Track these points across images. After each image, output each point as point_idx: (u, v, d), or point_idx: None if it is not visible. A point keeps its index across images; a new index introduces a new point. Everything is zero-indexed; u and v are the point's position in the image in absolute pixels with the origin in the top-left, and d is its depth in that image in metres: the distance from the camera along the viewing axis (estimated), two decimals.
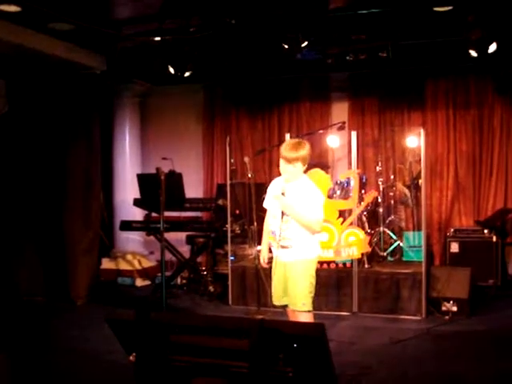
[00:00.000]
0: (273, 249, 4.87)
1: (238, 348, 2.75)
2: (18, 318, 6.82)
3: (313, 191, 4.75)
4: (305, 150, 4.67)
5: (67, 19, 6.63)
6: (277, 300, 4.90)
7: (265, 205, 5.02)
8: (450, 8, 6.37)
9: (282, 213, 4.70)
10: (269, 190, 4.98)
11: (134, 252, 9.56)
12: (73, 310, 7.59)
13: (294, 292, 4.72)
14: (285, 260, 4.77)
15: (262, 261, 5.07)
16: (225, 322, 2.89)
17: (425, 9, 6.47)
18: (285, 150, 4.69)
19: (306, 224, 4.64)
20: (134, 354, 2.99)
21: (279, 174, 4.88)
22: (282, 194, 4.69)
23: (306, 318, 4.68)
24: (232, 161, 7.95)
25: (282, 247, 4.74)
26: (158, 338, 2.91)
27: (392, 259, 7.76)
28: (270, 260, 5.00)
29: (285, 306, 4.88)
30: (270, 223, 4.89)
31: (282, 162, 4.73)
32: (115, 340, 3.09)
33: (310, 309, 4.71)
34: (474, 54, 6.56)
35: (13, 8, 6.18)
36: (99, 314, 3.33)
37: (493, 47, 6.40)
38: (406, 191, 8.25)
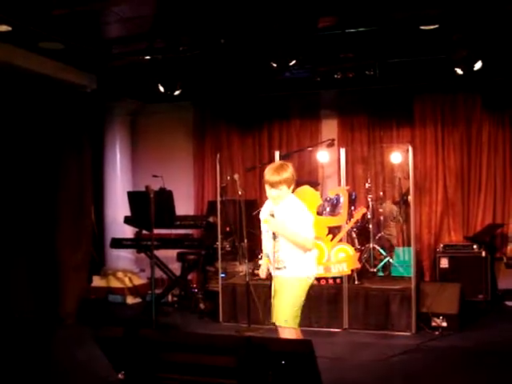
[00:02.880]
0: (271, 270, 4.89)
1: (226, 365, 2.76)
2: (7, 336, 6.78)
3: (301, 210, 4.74)
4: (287, 173, 4.65)
5: (58, 38, 6.68)
6: (274, 317, 4.88)
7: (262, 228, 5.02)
8: (436, 26, 6.46)
9: (274, 235, 4.71)
10: (260, 214, 4.98)
11: (125, 269, 9.54)
12: (62, 327, 7.53)
13: (278, 307, 4.71)
14: (278, 277, 4.77)
15: (260, 272, 5.06)
16: (213, 340, 2.91)
17: (411, 27, 6.56)
18: (268, 174, 4.68)
19: (298, 243, 4.64)
20: (122, 372, 2.99)
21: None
22: (271, 215, 4.68)
23: (290, 334, 4.63)
24: (227, 178, 7.98)
25: (277, 269, 4.75)
26: (146, 356, 2.91)
27: (382, 275, 7.78)
28: (269, 276, 5.01)
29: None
30: (265, 246, 4.90)
31: (266, 187, 4.72)
32: (104, 358, 3.09)
33: (294, 326, 4.66)
34: (459, 71, 6.63)
35: (3, 27, 6.22)
36: (88, 331, 3.32)
37: (478, 65, 6.48)
38: (395, 208, 8.29)
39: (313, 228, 4.75)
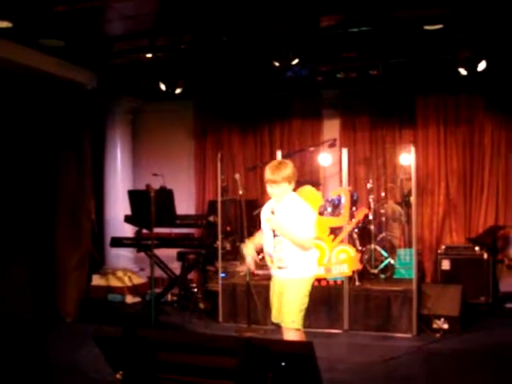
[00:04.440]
0: (271, 270, 4.85)
1: (225, 366, 2.72)
2: (6, 335, 6.75)
3: (303, 208, 4.72)
4: (287, 170, 4.62)
5: (59, 35, 6.64)
6: (274, 318, 4.86)
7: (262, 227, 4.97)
8: (440, 26, 6.42)
9: (274, 233, 4.67)
10: (262, 213, 4.94)
11: (125, 268, 9.51)
12: (61, 327, 7.50)
13: (285, 309, 4.69)
14: (281, 278, 4.75)
15: (249, 261, 4.92)
16: (212, 341, 2.87)
17: (415, 27, 6.53)
18: (268, 172, 4.65)
19: (296, 241, 4.62)
20: (120, 372, 2.95)
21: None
22: (272, 213, 4.65)
23: (295, 335, 4.63)
24: (223, 177, 7.94)
25: (279, 268, 4.72)
26: (145, 356, 2.87)
27: (383, 276, 7.73)
28: (268, 277, 4.97)
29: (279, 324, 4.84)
30: (265, 246, 4.86)
31: (267, 186, 4.69)
32: (103, 358, 3.06)
33: (300, 327, 4.67)
34: (463, 72, 6.60)
35: (4, 24, 6.19)
36: (88, 331, 3.28)
37: (482, 65, 6.45)
38: (398, 208, 8.25)
39: (313, 227, 4.71)
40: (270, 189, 4.68)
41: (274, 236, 4.68)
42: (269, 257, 4.81)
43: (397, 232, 8.60)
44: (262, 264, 5.89)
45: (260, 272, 7.00)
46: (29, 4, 5.80)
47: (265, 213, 4.85)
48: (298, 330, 4.67)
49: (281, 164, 4.69)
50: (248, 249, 4.96)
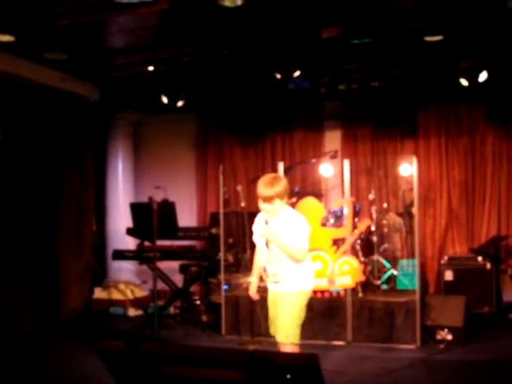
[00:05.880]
0: (266, 283, 4.84)
1: (230, 380, 2.71)
2: (7, 347, 6.72)
3: (297, 220, 4.65)
4: (280, 186, 4.54)
5: (61, 49, 6.67)
6: (273, 330, 4.83)
7: (253, 240, 4.96)
8: (441, 38, 6.44)
9: (267, 246, 4.63)
10: (254, 226, 4.90)
11: (127, 281, 9.48)
12: (63, 340, 7.48)
13: (279, 323, 4.64)
14: (276, 291, 4.73)
15: (251, 293, 5.01)
16: (217, 354, 2.85)
17: (416, 39, 6.55)
18: (260, 188, 4.58)
19: (290, 253, 4.54)
20: None
21: None
22: (266, 222, 4.60)
23: (290, 349, 4.56)
24: (225, 189, 7.94)
25: (274, 282, 4.71)
26: (148, 370, 2.86)
27: (385, 287, 7.71)
28: (263, 290, 4.97)
29: None
30: (260, 260, 4.85)
31: (259, 201, 4.63)
32: (106, 371, 3.05)
33: (295, 341, 4.59)
34: (464, 82, 6.62)
35: (7, 37, 6.23)
36: (90, 344, 3.28)
37: (483, 76, 6.46)
38: (398, 219, 8.22)
39: (308, 240, 4.64)
40: (262, 205, 4.62)
41: (268, 249, 4.65)
42: (263, 271, 4.79)
43: (396, 242, 8.58)
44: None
45: (261, 284, 6.98)
46: (32, 18, 5.83)
47: (257, 227, 4.80)
48: (294, 344, 4.59)
49: (273, 180, 4.60)
50: (253, 284, 5.01)
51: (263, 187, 4.57)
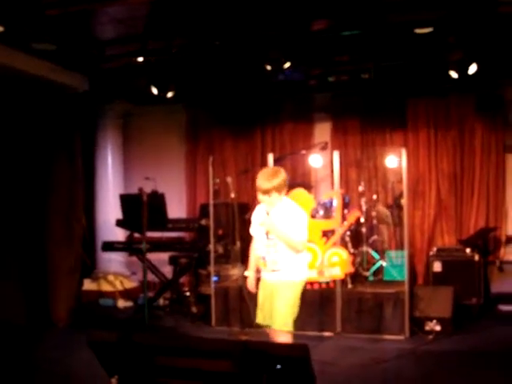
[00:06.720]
0: (262, 272, 4.87)
1: (221, 370, 2.72)
2: None
3: (297, 211, 4.75)
4: (279, 179, 4.63)
5: (50, 39, 6.63)
6: (261, 319, 4.87)
7: (251, 231, 5.00)
8: (431, 30, 6.46)
9: (267, 235, 4.68)
10: (253, 217, 4.96)
11: (116, 273, 9.47)
12: (54, 332, 7.47)
13: (277, 311, 4.70)
14: (272, 281, 4.78)
15: (249, 286, 5.06)
16: (209, 344, 2.86)
17: (406, 31, 6.56)
18: (259, 180, 4.67)
19: (290, 244, 4.64)
20: (116, 376, 2.95)
21: None
22: (267, 213, 4.68)
23: (286, 338, 4.66)
24: (216, 181, 7.93)
25: (272, 271, 4.75)
26: (140, 360, 2.87)
27: (372, 279, 7.75)
28: (257, 281, 5.00)
29: (267, 326, 4.86)
30: (257, 249, 4.88)
31: (258, 193, 4.72)
32: (97, 363, 3.05)
33: (291, 329, 4.70)
34: (454, 75, 6.64)
35: None
36: (81, 336, 3.27)
37: (473, 68, 6.48)
38: (385, 211, 8.25)
39: (306, 230, 4.73)
40: (260, 197, 4.72)
41: (268, 239, 4.70)
42: (262, 260, 4.82)
43: (385, 234, 8.63)
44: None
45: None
46: (20, 7, 5.78)
47: (257, 217, 4.87)
48: (290, 332, 4.69)
49: (273, 173, 4.70)
50: (250, 277, 5.06)
51: (262, 180, 4.66)
